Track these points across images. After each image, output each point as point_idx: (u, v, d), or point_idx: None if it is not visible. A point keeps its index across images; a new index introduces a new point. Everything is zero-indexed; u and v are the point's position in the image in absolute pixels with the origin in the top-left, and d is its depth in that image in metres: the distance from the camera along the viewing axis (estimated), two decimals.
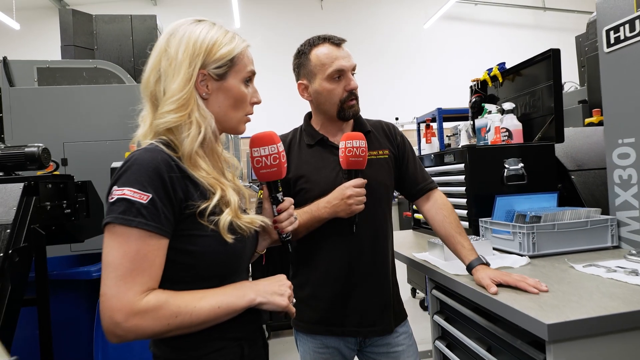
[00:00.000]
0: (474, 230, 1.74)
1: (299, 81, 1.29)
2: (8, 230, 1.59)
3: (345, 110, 1.24)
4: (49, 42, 5.74)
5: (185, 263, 0.75)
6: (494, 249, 1.55)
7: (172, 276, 0.73)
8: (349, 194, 1.12)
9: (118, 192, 0.69)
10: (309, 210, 1.16)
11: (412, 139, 8.49)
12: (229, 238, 0.75)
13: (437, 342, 1.54)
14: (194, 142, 0.76)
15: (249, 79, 0.86)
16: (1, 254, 1.52)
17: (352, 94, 1.24)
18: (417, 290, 4.18)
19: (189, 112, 0.77)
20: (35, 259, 1.76)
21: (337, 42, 1.26)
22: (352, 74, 1.25)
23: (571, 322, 0.85)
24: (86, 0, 7.61)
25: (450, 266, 1.37)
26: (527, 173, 1.75)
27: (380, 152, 1.29)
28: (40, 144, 1.96)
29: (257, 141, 0.88)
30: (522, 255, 1.41)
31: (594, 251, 1.45)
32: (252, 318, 0.82)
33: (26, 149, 1.93)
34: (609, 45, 1.49)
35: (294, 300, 0.83)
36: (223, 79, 0.82)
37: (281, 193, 0.91)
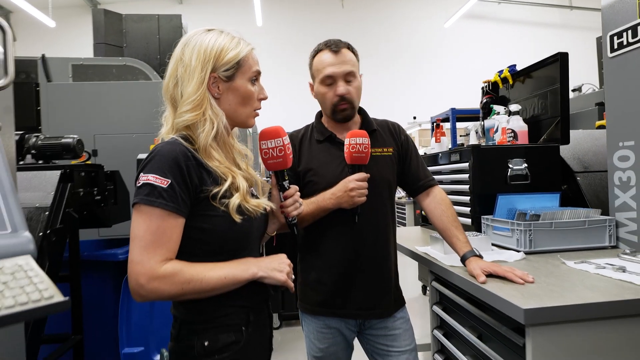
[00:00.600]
0: (476, 227, 1.81)
1: (310, 81, 1.43)
2: (46, 213, 1.76)
3: (337, 113, 1.34)
4: (81, 39, 6.02)
5: (199, 239, 0.87)
6: (493, 244, 1.62)
7: (188, 250, 0.86)
8: (351, 186, 1.21)
9: (143, 178, 0.82)
10: (315, 201, 1.26)
11: (428, 138, 8.43)
12: (237, 218, 0.87)
13: (435, 331, 1.63)
14: (208, 136, 0.89)
15: (255, 78, 0.97)
16: (40, 234, 1.69)
17: (343, 99, 1.31)
18: (428, 288, 4.24)
19: (203, 110, 0.89)
20: (69, 239, 1.93)
21: (334, 49, 1.32)
22: (348, 80, 1.31)
23: (546, 308, 0.93)
24: None
25: (448, 259, 1.45)
26: (531, 173, 1.81)
27: (385, 150, 1.38)
28: (75, 136, 2.14)
29: (265, 135, 0.98)
30: (518, 251, 1.48)
31: (591, 250, 1.50)
32: (258, 290, 0.93)
33: (63, 140, 2.11)
34: (612, 50, 1.54)
35: (293, 277, 0.93)
36: (232, 80, 0.93)
37: (287, 181, 1.01)
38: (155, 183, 0.81)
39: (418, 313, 3.92)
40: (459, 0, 7.92)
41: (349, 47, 1.37)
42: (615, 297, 0.97)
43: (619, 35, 1.50)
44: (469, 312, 1.33)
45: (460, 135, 3.36)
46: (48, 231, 1.71)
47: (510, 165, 1.80)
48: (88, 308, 2.11)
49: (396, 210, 6.30)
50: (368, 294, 1.33)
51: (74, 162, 2.32)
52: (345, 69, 1.30)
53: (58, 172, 1.91)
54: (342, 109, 1.33)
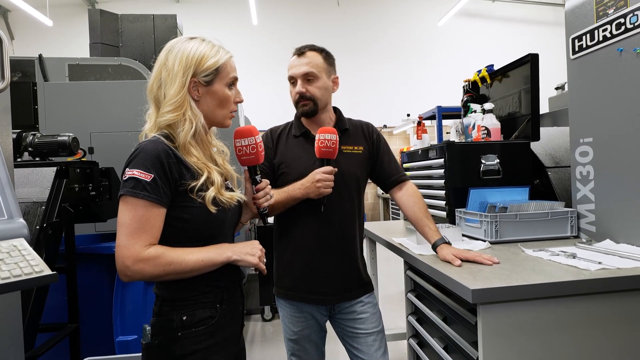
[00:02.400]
0: (450, 219, 1.91)
1: None
2: (43, 207, 1.86)
3: (298, 108, 1.48)
4: (79, 39, 6.10)
5: (179, 227, 0.97)
6: (464, 235, 1.72)
7: (169, 237, 0.96)
8: (318, 178, 1.32)
9: (129, 172, 0.92)
10: (286, 190, 1.37)
11: None
12: (213, 209, 0.98)
13: (410, 317, 1.73)
14: (187, 134, 0.99)
15: (232, 83, 1.07)
16: (37, 227, 1.79)
17: (302, 97, 1.43)
18: None
19: (183, 111, 0.99)
20: (65, 233, 2.03)
21: (298, 53, 1.46)
22: (308, 79, 1.43)
23: (492, 289, 1.03)
24: None
25: (419, 248, 1.55)
26: (503, 168, 1.91)
27: (355, 148, 1.49)
28: (71, 134, 2.23)
29: (240, 134, 1.08)
30: (484, 241, 1.58)
31: (553, 240, 1.60)
32: (232, 272, 1.05)
33: (58, 138, 2.21)
34: (574, 52, 1.63)
35: (265, 260, 1.04)
36: (210, 84, 1.03)
37: (259, 175, 1.11)
38: (140, 177, 0.91)
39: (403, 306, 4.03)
40: None
41: (317, 50, 1.47)
42: (556, 279, 1.07)
43: (579, 38, 1.60)
44: (436, 297, 1.43)
45: (447, 133, 3.46)
46: (45, 224, 1.81)
47: (483, 161, 1.90)
48: (84, 298, 2.21)
49: (391, 205, 6.45)
50: (334, 279, 1.43)
51: (70, 159, 2.42)
52: (303, 70, 1.42)
53: (54, 169, 2.01)
54: (302, 105, 1.45)
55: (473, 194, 1.81)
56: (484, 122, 2.02)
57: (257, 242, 1.05)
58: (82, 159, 2.43)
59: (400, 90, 8.57)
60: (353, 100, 8.08)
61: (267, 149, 1.42)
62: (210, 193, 0.98)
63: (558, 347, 1.06)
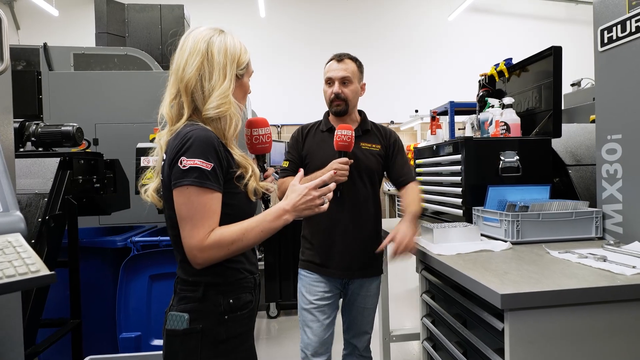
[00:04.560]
0: (467, 218, 1.84)
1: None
2: (45, 199, 1.80)
3: (332, 107, 1.71)
4: (85, 29, 6.03)
5: (225, 213, 1.00)
6: (482, 235, 1.65)
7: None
8: (335, 167, 1.50)
9: (190, 162, 0.94)
10: (308, 178, 1.44)
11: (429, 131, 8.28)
12: (253, 198, 1.06)
13: (424, 319, 1.66)
14: (237, 129, 1.05)
15: (249, 77, 1.15)
16: (39, 220, 1.74)
17: (337, 97, 1.66)
18: None
19: (229, 104, 1.02)
20: (68, 226, 1.98)
21: (338, 59, 1.69)
22: (344, 83, 1.66)
23: (522, 294, 0.96)
24: None
25: (437, 248, 1.48)
26: (523, 166, 1.82)
27: (373, 146, 1.73)
28: (75, 124, 2.17)
29: (257, 123, 1.16)
30: (505, 241, 1.51)
31: (578, 241, 1.53)
32: (257, 262, 1.17)
33: (62, 128, 2.15)
34: (602, 44, 1.55)
35: (326, 200, 1.07)
36: (241, 78, 1.09)
37: (267, 163, 1.23)
38: (202, 167, 0.94)
39: (415, 302, 3.97)
40: None
41: (353, 59, 1.71)
42: (590, 284, 1.00)
43: (609, 29, 1.51)
44: (454, 299, 1.36)
45: (459, 129, 3.37)
46: (47, 217, 1.76)
47: (502, 158, 1.82)
48: (86, 294, 2.16)
49: (396, 201, 6.35)
50: (344, 258, 1.66)
51: (74, 150, 2.36)
52: (341, 74, 1.66)
53: (57, 160, 1.95)
54: (336, 104, 1.69)
55: (492, 191, 1.74)
56: (503, 117, 1.94)
57: (302, 188, 1.04)
58: (87, 150, 2.38)
59: (408, 86, 8.46)
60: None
61: (297, 143, 1.76)
62: (252, 183, 1.04)
63: (592, 357, 0.99)
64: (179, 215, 0.95)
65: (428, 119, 7.53)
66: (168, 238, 2.25)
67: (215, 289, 1.02)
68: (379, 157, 1.72)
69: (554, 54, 1.86)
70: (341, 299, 1.75)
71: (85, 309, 2.11)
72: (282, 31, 8.21)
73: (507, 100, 1.94)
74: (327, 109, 1.77)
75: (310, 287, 1.67)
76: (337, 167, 1.49)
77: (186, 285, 1.03)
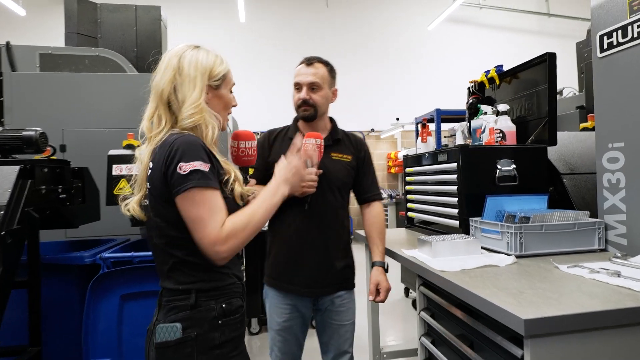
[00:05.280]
0: (464, 229, 1.75)
1: None
2: (2, 212, 1.60)
3: (299, 112, 1.61)
4: (55, 30, 5.73)
5: None
6: (483, 247, 1.57)
7: None
8: (306, 179, 1.42)
9: (189, 166, 0.96)
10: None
11: (412, 139, 8.43)
12: (240, 202, 1.08)
13: (423, 339, 1.56)
14: (214, 134, 1.07)
15: (232, 89, 1.18)
16: None
17: (305, 102, 1.58)
18: (410, 290, 4.20)
19: (202, 114, 1.05)
20: (28, 242, 1.78)
21: (308, 63, 1.60)
22: (313, 88, 1.58)
23: (547, 319, 0.86)
24: None
25: (437, 263, 1.39)
26: (519, 175, 1.76)
27: (344, 156, 1.63)
28: (38, 128, 1.98)
29: (243, 136, 1.20)
30: (508, 255, 1.43)
31: (581, 253, 1.46)
32: (241, 265, 1.19)
33: (24, 133, 1.95)
34: (602, 50, 1.51)
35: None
36: (218, 89, 1.12)
37: (249, 175, 1.25)
38: (202, 168, 0.97)
39: (401, 316, 3.88)
40: (442, 3, 7.97)
41: (324, 63, 1.62)
42: (616, 304, 0.92)
43: (609, 35, 1.47)
44: (459, 319, 1.26)
45: (445, 137, 3.33)
46: (3, 232, 1.56)
47: (499, 166, 1.75)
48: (50, 317, 1.95)
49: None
50: (314, 274, 1.55)
51: (37, 157, 2.16)
52: (310, 79, 1.57)
53: (17, 168, 1.76)
54: (303, 109, 1.60)
55: (490, 201, 1.66)
56: (497, 124, 1.88)
57: (285, 161, 1.20)
58: (52, 157, 2.17)
59: (389, 94, 8.48)
60: (340, 102, 7.84)
61: (263, 149, 1.62)
62: (238, 188, 1.07)
63: None
64: (188, 218, 0.97)
65: (409, 127, 7.58)
66: (142, 254, 2.08)
67: (207, 294, 1.03)
68: (350, 168, 1.64)
69: (548, 61, 1.82)
70: (313, 316, 1.65)
71: (48, 334, 1.90)
72: (262, 37, 8.10)
73: (502, 107, 1.89)
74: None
75: (278, 308, 1.57)
76: (308, 178, 1.42)
77: (175, 295, 1.02)
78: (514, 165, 1.76)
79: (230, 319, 1.04)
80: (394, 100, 8.40)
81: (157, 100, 1.07)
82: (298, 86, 1.60)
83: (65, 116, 3.01)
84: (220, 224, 0.97)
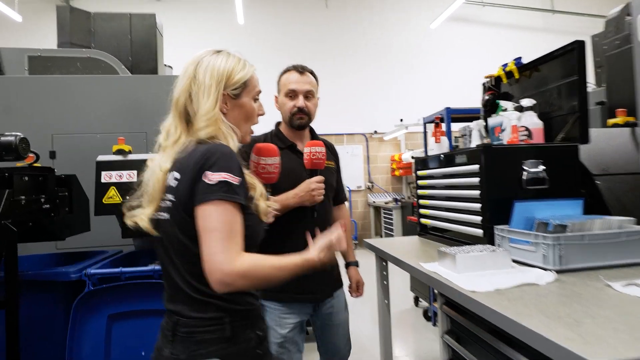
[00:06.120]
0: (488, 238, 1.57)
1: (275, 94, 1.70)
2: None
3: (294, 121, 1.62)
4: (51, 36, 5.60)
5: (245, 234, 0.93)
6: (513, 260, 1.38)
7: None
8: (313, 187, 1.47)
9: (217, 176, 0.89)
10: (279, 200, 1.46)
11: (417, 141, 8.25)
12: (264, 218, 1.02)
13: None
14: (235, 147, 0.99)
15: (257, 97, 1.09)
16: None
17: (301, 111, 1.60)
18: (420, 299, 4.01)
19: (218, 125, 0.99)
20: (5, 257, 1.61)
21: (300, 70, 1.63)
22: (307, 97, 1.61)
23: None
24: None
25: (466, 280, 1.20)
26: (549, 177, 1.58)
27: (329, 163, 1.68)
28: (18, 134, 1.81)
29: (264, 152, 1.15)
30: (546, 270, 1.24)
31: (629, 267, 1.28)
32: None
33: (2, 139, 1.78)
34: None
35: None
36: (238, 97, 1.04)
37: (269, 193, 1.13)
38: (231, 181, 0.91)
39: (411, 326, 3.68)
40: (445, 1, 7.80)
41: (312, 72, 1.67)
42: None
43: None
44: (492, 347, 1.08)
45: (456, 137, 3.15)
46: None
47: (526, 168, 1.57)
48: (31, 338, 1.78)
49: (383, 215, 6.11)
50: (318, 279, 1.55)
51: (19, 164, 1.99)
52: (307, 87, 1.62)
53: None
54: (298, 118, 1.62)
55: (518, 207, 1.48)
56: (522, 121, 1.70)
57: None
58: (35, 165, 2.00)
59: (391, 95, 8.31)
60: (341, 104, 7.77)
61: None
62: (263, 204, 1.01)
63: None
64: (203, 229, 0.88)
65: (412, 128, 7.39)
66: (131, 269, 1.91)
67: (241, 322, 0.96)
68: (335, 173, 1.75)
69: (577, 50, 1.64)
70: (308, 321, 1.69)
71: (28, 356, 1.72)
72: (261, 39, 7.94)
73: (527, 101, 1.71)
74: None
75: (279, 320, 1.57)
76: (315, 186, 1.46)
77: (201, 324, 0.92)
78: (542, 167, 1.58)
79: (266, 346, 1.01)
80: (397, 101, 8.22)
81: (173, 109, 1.03)
82: (292, 94, 1.61)
83: (54, 121, 2.85)
84: (237, 251, 0.88)
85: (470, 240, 1.69)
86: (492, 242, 1.55)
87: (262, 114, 1.11)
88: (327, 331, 1.68)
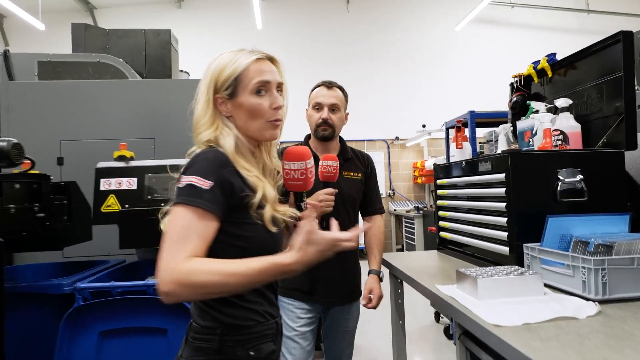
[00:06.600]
0: (516, 258, 1.36)
1: (307, 108, 1.77)
2: None
3: (318, 132, 1.69)
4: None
5: (239, 246, 0.90)
6: (545, 285, 1.18)
7: (227, 257, 0.84)
8: (320, 198, 1.44)
9: (185, 179, 0.86)
10: None
11: (440, 147, 7.95)
12: (273, 229, 0.94)
13: None
14: (231, 147, 0.94)
15: (260, 89, 0.96)
16: None
17: (325, 122, 1.67)
18: (442, 315, 3.76)
19: (215, 128, 0.95)
20: None
21: (328, 86, 1.70)
22: (332, 110, 1.68)
23: None
24: (112, 2, 7.65)
25: (488, 309, 1.01)
26: (588, 188, 1.37)
27: (355, 174, 1.75)
28: (12, 139, 1.74)
29: (290, 156, 1.02)
30: (587, 299, 1.04)
31: None
32: (276, 297, 1.04)
33: None
34: None
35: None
36: (234, 97, 0.96)
37: (305, 202, 1.03)
38: (197, 184, 0.85)
39: (431, 343, 3.45)
40: (470, 3, 7.53)
41: (340, 88, 1.73)
42: None
43: None
44: None
45: (480, 143, 2.92)
46: None
47: (561, 177, 1.36)
48: (23, 353, 1.69)
49: (404, 224, 5.85)
50: (329, 285, 1.65)
51: (15, 171, 1.92)
52: (332, 101, 1.68)
53: None
54: (322, 129, 1.69)
55: (552, 223, 1.27)
56: (556, 124, 1.49)
57: (327, 241, 0.89)
58: (31, 171, 1.93)
59: (414, 100, 8.06)
60: (363, 110, 7.58)
61: None
62: (268, 211, 0.93)
63: None
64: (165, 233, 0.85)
65: (436, 134, 7.13)
66: (123, 283, 1.79)
67: (233, 337, 0.91)
68: (361, 184, 1.76)
69: (623, 41, 1.43)
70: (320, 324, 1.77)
71: None
72: (279, 44, 7.87)
73: (562, 101, 1.50)
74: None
75: (293, 314, 1.64)
76: (323, 198, 1.47)
77: (200, 332, 0.91)
78: (580, 176, 1.36)
79: None
80: (420, 106, 7.97)
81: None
82: (319, 106, 1.69)
83: (63, 127, 2.82)
84: (183, 257, 0.79)
85: (495, 259, 1.49)
86: (520, 263, 1.34)
87: (277, 107, 0.97)
88: (331, 333, 1.75)
